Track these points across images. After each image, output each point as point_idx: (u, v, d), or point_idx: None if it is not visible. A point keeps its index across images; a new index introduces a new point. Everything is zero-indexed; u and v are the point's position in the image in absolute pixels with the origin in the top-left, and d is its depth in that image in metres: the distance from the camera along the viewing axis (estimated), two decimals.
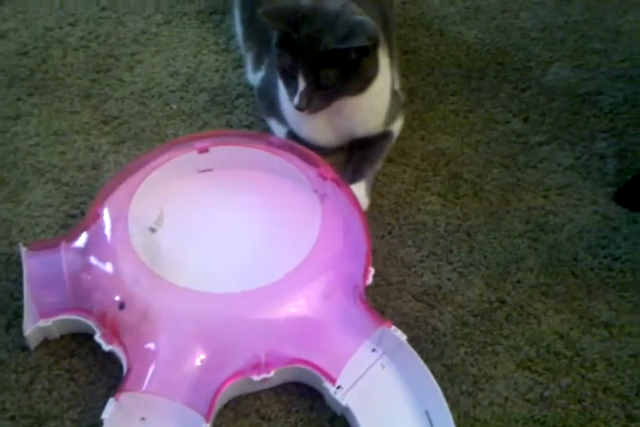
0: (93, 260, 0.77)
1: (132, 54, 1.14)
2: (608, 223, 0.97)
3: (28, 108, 1.05)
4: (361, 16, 0.89)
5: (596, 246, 0.94)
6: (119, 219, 0.80)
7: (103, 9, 1.20)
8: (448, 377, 0.80)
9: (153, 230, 0.85)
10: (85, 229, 0.80)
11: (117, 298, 0.75)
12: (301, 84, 0.87)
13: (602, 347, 0.84)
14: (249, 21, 1.10)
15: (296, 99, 0.88)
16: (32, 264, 0.77)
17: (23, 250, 0.79)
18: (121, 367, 0.74)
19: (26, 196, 0.94)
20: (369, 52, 0.87)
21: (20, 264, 0.81)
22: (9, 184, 0.95)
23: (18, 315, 0.80)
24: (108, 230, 0.79)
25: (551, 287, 0.90)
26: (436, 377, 0.75)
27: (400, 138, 1.04)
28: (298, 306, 0.76)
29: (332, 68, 0.86)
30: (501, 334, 0.85)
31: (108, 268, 0.77)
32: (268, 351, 0.73)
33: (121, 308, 0.74)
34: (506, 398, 0.79)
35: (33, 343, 0.78)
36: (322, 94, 0.89)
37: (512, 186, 1.01)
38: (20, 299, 0.80)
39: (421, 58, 1.17)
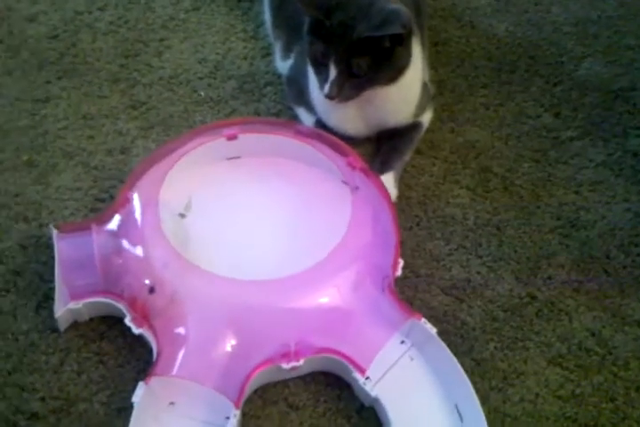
0: (124, 243, 0.77)
1: (161, 40, 1.13)
2: None
3: (57, 91, 1.04)
4: (395, 4, 0.88)
5: (629, 244, 0.92)
6: (149, 204, 0.80)
7: None
8: (478, 372, 0.79)
9: (182, 216, 0.84)
10: (116, 212, 0.80)
11: (147, 282, 0.74)
12: (332, 73, 0.86)
13: (634, 346, 0.82)
14: (278, 9, 1.09)
15: (326, 87, 0.87)
16: (63, 246, 0.77)
17: (54, 232, 0.79)
18: (150, 351, 0.74)
19: (55, 178, 0.94)
20: (403, 41, 0.86)
21: (49, 246, 0.81)
22: (38, 166, 0.95)
23: (48, 297, 0.80)
24: (138, 215, 0.79)
25: (583, 284, 0.88)
26: (465, 371, 0.74)
27: (429, 130, 1.03)
28: (328, 295, 0.76)
29: (365, 57, 0.85)
30: (532, 329, 0.84)
31: (139, 252, 0.76)
32: (298, 340, 0.72)
33: (151, 292, 0.73)
34: (537, 395, 0.78)
35: (63, 325, 0.78)
36: (353, 83, 0.88)
37: (543, 181, 0.99)
38: (50, 281, 0.80)
39: (451, 50, 1.16)
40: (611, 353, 0.82)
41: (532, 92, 1.11)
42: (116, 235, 0.78)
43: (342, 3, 0.86)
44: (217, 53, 1.12)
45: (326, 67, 0.87)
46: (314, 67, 0.90)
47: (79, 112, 1.02)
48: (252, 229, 0.85)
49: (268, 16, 1.13)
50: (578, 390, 0.79)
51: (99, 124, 1.01)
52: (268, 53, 1.12)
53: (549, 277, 0.89)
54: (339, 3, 0.85)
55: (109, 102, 1.04)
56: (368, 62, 0.86)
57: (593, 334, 0.83)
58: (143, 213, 0.79)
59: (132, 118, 1.02)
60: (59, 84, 1.05)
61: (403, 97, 0.96)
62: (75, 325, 0.79)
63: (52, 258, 0.78)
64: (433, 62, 1.11)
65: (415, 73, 0.95)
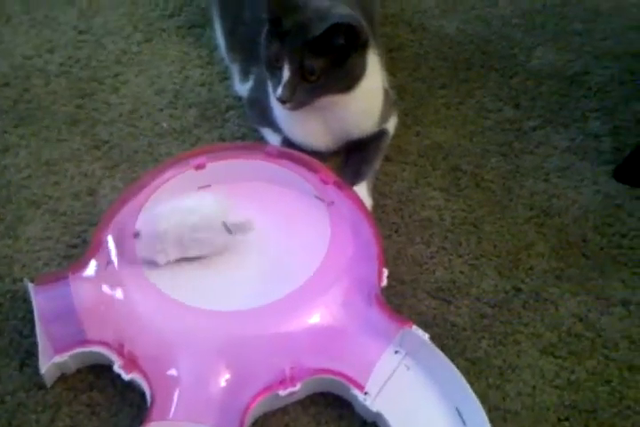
0: (104, 288, 0.76)
1: (116, 76, 1.12)
2: (611, 201, 0.97)
3: (16, 139, 1.03)
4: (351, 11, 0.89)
5: (603, 225, 0.94)
6: (125, 244, 0.79)
7: (81, 32, 1.19)
8: (473, 371, 0.80)
9: None
10: (91, 257, 0.79)
11: (132, 324, 0.73)
12: (286, 74, 0.86)
13: (622, 326, 0.84)
14: (232, 32, 1.09)
15: (279, 90, 0.86)
16: (41, 299, 0.75)
17: (30, 286, 0.77)
18: (142, 395, 0.72)
19: (24, 230, 0.92)
20: (357, 46, 0.86)
21: (25, 301, 0.80)
22: (4, 220, 0.93)
23: (30, 353, 0.78)
24: (114, 257, 0.78)
25: (564, 271, 0.89)
26: (461, 373, 0.74)
27: (395, 135, 1.04)
28: (317, 315, 0.75)
29: (319, 58, 0.85)
30: (521, 322, 0.84)
31: (119, 295, 0.75)
32: (293, 364, 0.72)
33: (136, 333, 0.72)
34: (534, 387, 0.79)
35: (50, 380, 0.75)
36: (306, 87, 0.87)
37: (512, 173, 1.01)
38: (31, 336, 0.78)
39: (406, 54, 1.17)
40: (600, 336, 0.83)
41: (489, 86, 1.12)
42: (94, 281, 0.77)
43: (302, 6, 0.87)
44: (174, 83, 1.12)
45: (280, 70, 0.87)
46: (268, 71, 0.90)
47: (41, 159, 1.01)
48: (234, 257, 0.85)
49: (221, 40, 1.13)
50: (573, 377, 0.79)
51: (62, 169, 0.99)
52: (225, 78, 1.12)
53: (531, 268, 0.90)
54: (298, 6, 0.86)
55: (71, 145, 1.03)
56: (321, 65, 0.86)
57: (580, 320, 0.84)
58: (119, 254, 0.78)
59: (95, 159, 1.01)
60: (16, 133, 1.04)
61: (363, 107, 0.96)
62: (62, 378, 0.77)
63: (30, 313, 0.76)
64: (390, 68, 1.11)
65: (375, 82, 0.95)
